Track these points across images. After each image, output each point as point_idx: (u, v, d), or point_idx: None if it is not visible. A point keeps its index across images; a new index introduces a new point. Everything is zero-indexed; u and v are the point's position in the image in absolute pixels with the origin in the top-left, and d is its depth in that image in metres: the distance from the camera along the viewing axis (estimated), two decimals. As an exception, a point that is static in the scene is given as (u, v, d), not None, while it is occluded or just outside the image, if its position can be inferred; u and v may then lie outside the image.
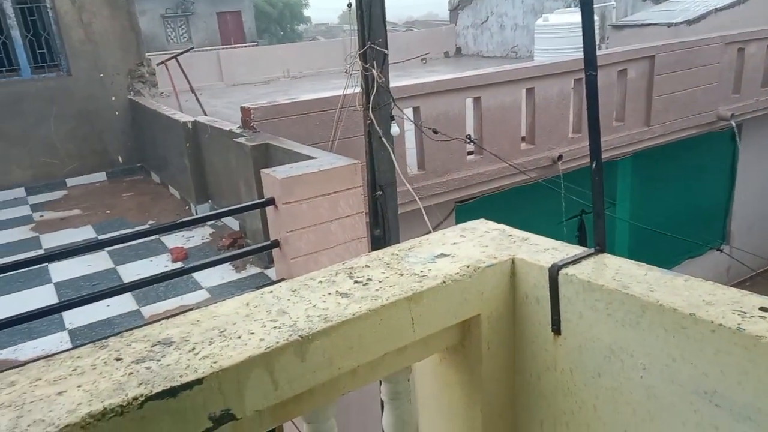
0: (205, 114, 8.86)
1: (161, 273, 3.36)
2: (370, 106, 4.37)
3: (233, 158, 5.03)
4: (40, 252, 5.42)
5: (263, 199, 3.67)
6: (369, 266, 1.43)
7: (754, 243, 9.75)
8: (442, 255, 1.46)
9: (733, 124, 7.96)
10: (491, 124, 6.31)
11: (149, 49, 15.08)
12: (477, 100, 6.22)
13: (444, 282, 1.31)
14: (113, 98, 8.02)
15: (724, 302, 1.08)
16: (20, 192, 7.55)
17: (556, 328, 1.34)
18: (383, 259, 1.48)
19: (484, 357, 1.41)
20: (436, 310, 1.30)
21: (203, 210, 6.14)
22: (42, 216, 6.65)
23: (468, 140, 5.54)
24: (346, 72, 5.12)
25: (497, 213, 7.40)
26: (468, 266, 1.37)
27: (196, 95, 9.59)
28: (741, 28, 8.08)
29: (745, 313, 1.03)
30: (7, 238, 5.96)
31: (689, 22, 8.45)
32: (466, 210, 6.89)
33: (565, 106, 6.83)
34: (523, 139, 6.79)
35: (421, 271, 1.36)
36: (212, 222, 5.80)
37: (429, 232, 4.55)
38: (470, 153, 6.47)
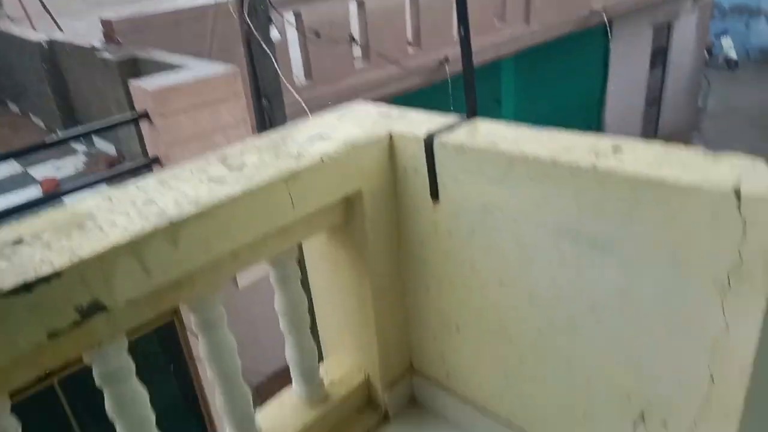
0: (60, 29, 7.93)
1: (30, 200, 3.08)
2: (245, 10, 4.08)
3: (99, 77, 4.59)
4: None
5: (135, 114, 3.40)
6: (244, 153, 1.37)
7: (624, 132, 10.56)
8: (320, 137, 1.42)
9: (605, 18, 8.33)
10: (377, 28, 6.16)
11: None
12: (361, 4, 6.01)
13: (322, 160, 1.28)
14: (-54, 20, 6.94)
15: (583, 147, 1.14)
16: None
17: (435, 195, 1.37)
18: (259, 146, 1.43)
19: (369, 231, 1.42)
20: (316, 188, 1.28)
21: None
22: None
23: (351, 39, 5.39)
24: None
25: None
26: (345, 144, 1.35)
27: (51, 16, 8.52)
28: None
29: (599, 153, 1.10)
30: None
31: None
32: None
33: (449, 7, 6.78)
34: (410, 43, 6.73)
35: (298, 153, 1.32)
36: (85, 150, 5.35)
37: None
38: (360, 55, 6.33)
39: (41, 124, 6.27)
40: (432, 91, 6.78)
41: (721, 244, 0.90)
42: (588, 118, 10.09)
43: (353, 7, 6.10)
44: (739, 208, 0.88)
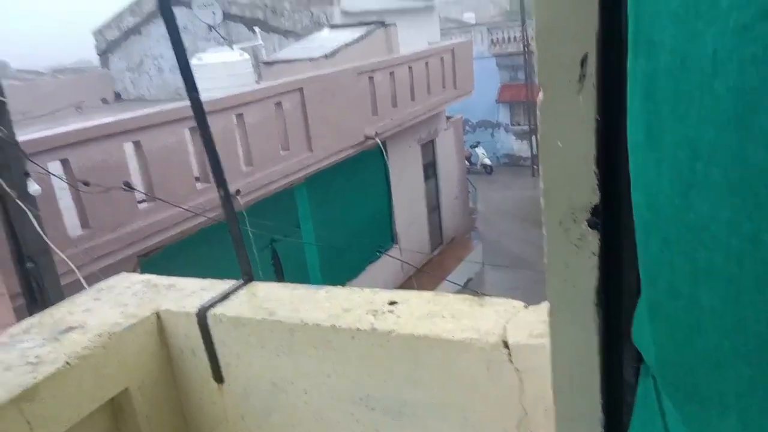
0: None
1: None
2: (-5, 165, 3.62)
3: None
4: None
5: None
6: (-37, 369, 1.09)
7: (415, 240, 11.44)
8: (69, 329, 1.20)
9: (378, 141, 9.19)
10: (159, 168, 5.94)
11: None
12: (137, 145, 5.78)
13: (67, 363, 1.06)
14: None
15: (360, 305, 1.11)
16: None
17: (218, 376, 1.22)
18: (-13, 353, 1.15)
19: (144, 433, 1.20)
20: (63, 402, 1.05)
21: None
22: None
23: (126, 188, 5.08)
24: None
25: (190, 260, 6.95)
26: (100, 335, 1.15)
27: None
28: (366, 59, 9.41)
29: (377, 311, 1.07)
30: None
31: (327, 56, 9.46)
32: (151, 264, 6.34)
33: (233, 140, 6.87)
34: (198, 179, 6.59)
35: (37, 357, 1.09)
36: None
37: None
38: (141, 201, 5.98)
39: None
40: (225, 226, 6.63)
41: (504, 398, 0.90)
42: (381, 230, 10.76)
43: (129, 148, 5.83)
44: (510, 358, 0.89)
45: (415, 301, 1.09)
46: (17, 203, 3.72)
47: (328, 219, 9.11)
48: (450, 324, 0.97)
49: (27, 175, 3.77)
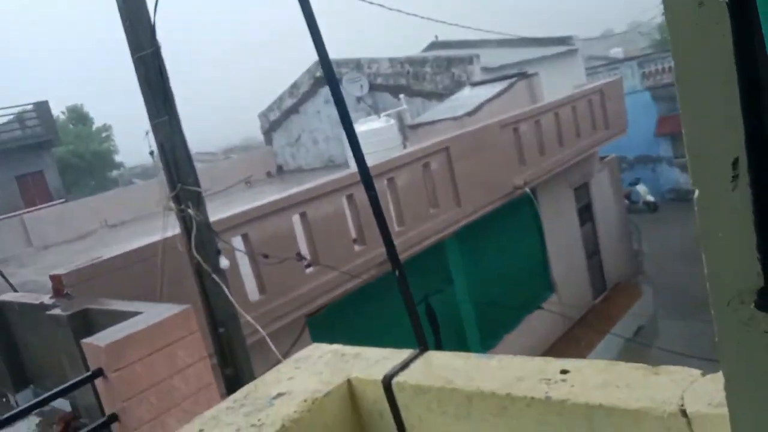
0: (13, 288, 7.91)
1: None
2: (193, 245, 4.25)
3: (50, 333, 4.50)
4: None
5: (88, 373, 3.29)
6: (203, 430, 1.34)
7: (574, 288, 10.94)
8: (279, 395, 1.42)
9: (527, 190, 9.12)
10: (321, 234, 6.47)
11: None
12: (303, 216, 6.38)
13: (283, 426, 1.26)
14: None
15: (533, 374, 1.18)
16: None
17: (404, 438, 1.35)
18: (218, 416, 1.40)
19: (343, 490, 1.36)
20: (281, 458, 1.24)
21: (24, 398, 5.32)
22: None
23: (299, 258, 5.60)
24: (166, 210, 4.97)
25: (350, 317, 7.38)
26: (305, 400, 1.35)
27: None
28: (510, 111, 9.51)
29: (549, 380, 1.14)
30: None
31: (470, 114, 9.72)
32: (317, 322, 6.83)
33: (385, 203, 7.28)
34: (355, 240, 7.04)
35: (259, 420, 1.30)
36: (38, 409, 5.03)
37: (280, 361, 4.38)
38: (308, 266, 6.52)
39: (-13, 389, 5.93)
40: (386, 281, 6.98)
41: (684, 468, 0.92)
42: (538, 280, 10.46)
43: (296, 218, 6.45)
44: (690, 427, 0.91)
45: (587, 369, 1.13)
46: (212, 277, 4.30)
47: (480, 271, 9.11)
48: (625, 393, 1.01)
49: (219, 252, 4.36)
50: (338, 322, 7.02)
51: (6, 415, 3.31)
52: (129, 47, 4.25)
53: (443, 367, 1.34)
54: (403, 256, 7.38)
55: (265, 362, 5.20)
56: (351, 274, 6.18)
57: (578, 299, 10.84)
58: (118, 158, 39.38)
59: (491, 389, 1.17)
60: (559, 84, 12.95)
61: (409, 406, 1.33)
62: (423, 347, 1.46)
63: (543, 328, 9.75)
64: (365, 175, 1.68)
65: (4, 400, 5.57)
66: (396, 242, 5.98)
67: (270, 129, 20.12)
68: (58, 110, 29.87)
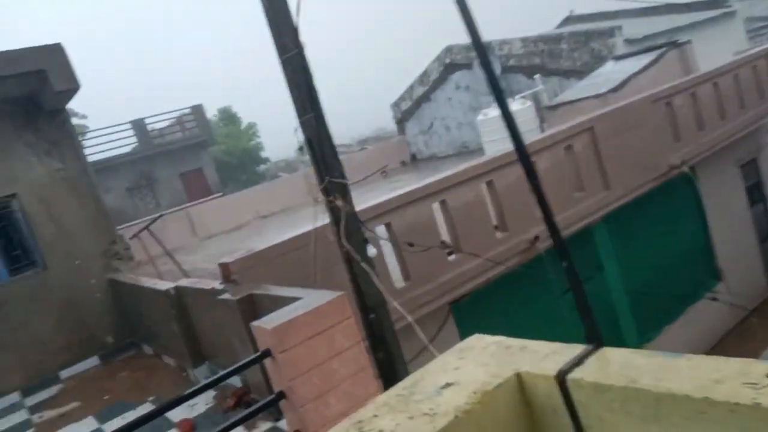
0: (186, 275, 8.89)
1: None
2: (343, 234, 4.45)
3: (221, 315, 4.99)
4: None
5: (258, 353, 3.59)
6: (377, 415, 1.40)
7: (745, 275, 9.81)
8: (447, 384, 1.44)
9: (685, 169, 8.32)
10: (462, 221, 6.46)
11: (120, 222, 15.36)
12: (443, 203, 6.40)
13: (456, 416, 1.28)
14: (93, 281, 8.00)
15: (732, 377, 1.08)
16: (15, 397, 7.28)
17: (581, 436, 1.31)
18: (390, 403, 1.46)
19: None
20: (455, 448, 1.26)
21: (201, 373, 5.97)
22: (41, 417, 6.39)
23: (443, 246, 5.63)
24: (315, 201, 5.26)
25: (494, 304, 7.29)
26: (475, 392, 1.35)
27: (172, 258, 9.67)
28: (660, 85, 8.72)
29: (756, 384, 1.03)
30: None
31: (614, 90, 9.08)
32: (461, 309, 6.85)
33: (525, 188, 7.06)
34: (497, 227, 6.93)
35: (431, 409, 1.33)
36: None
37: (425, 348, 4.43)
38: (450, 253, 6.55)
39: (172, 363, 6.75)
40: (526, 269, 6.80)
41: None
42: (701, 267, 9.54)
43: (436, 206, 6.49)
44: None
45: (801, 374, 1.01)
46: (361, 265, 4.48)
47: (634, 258, 8.52)
48: None
49: (366, 241, 4.52)
50: (482, 309, 6.98)
51: (191, 389, 3.74)
52: (275, 49, 4.53)
53: (624, 365, 1.27)
54: (545, 244, 7.13)
55: (412, 348, 5.34)
56: (494, 261, 6.10)
57: (750, 287, 9.73)
58: (263, 154, 42.38)
59: (684, 391, 1.09)
60: (715, 51, 11.66)
61: (586, 404, 1.28)
62: (598, 342, 1.40)
63: (709, 320, 8.90)
64: (524, 156, 1.63)
65: (184, 374, 6.29)
66: (541, 228, 5.80)
67: (402, 118, 20.42)
68: (210, 112, 32.71)
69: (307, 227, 5.57)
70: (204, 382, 4.19)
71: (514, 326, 7.29)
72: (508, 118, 1.68)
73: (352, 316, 3.76)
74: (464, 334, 7.55)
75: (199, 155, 28.12)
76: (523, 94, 12.00)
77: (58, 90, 7.26)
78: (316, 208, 4.74)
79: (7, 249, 7.69)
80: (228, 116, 40.65)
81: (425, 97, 18.78)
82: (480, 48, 1.61)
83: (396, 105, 20.36)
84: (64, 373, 7.65)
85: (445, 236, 6.45)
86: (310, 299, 3.84)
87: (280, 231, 13.31)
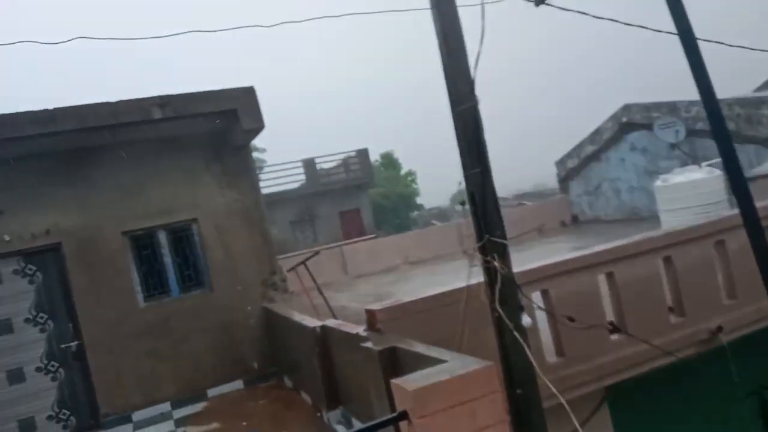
0: (332, 312, 9.12)
1: None
2: (497, 298, 4.17)
3: (362, 362, 4.92)
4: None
5: (395, 414, 3.41)
6: None
7: None
8: None
9: None
10: (631, 299, 5.79)
11: (281, 252, 16.43)
12: (610, 276, 5.81)
13: None
14: (249, 308, 8.51)
15: None
16: (166, 407, 7.89)
17: None
18: None
19: None
20: None
21: (334, 417, 5.94)
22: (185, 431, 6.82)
23: (611, 328, 5.06)
24: (464, 253, 5.04)
25: (658, 396, 6.34)
26: None
27: (322, 294, 10.00)
28: None
29: None
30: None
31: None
32: (618, 396, 6.08)
33: (711, 270, 6.18)
34: (671, 310, 6.13)
35: None
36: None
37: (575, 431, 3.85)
38: (613, 331, 5.89)
39: (308, 401, 6.84)
40: (702, 363, 5.88)
41: None
42: None
43: (601, 278, 5.91)
44: None
45: None
46: (512, 334, 4.14)
47: None
48: None
49: (521, 309, 4.19)
50: (643, 400, 6.14)
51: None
52: (449, 100, 4.47)
53: None
54: (731, 336, 6.13)
55: (558, 431, 4.80)
56: (665, 350, 5.35)
57: None
58: (418, 200, 43.25)
59: None
60: None
61: None
62: None
63: None
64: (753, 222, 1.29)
65: (318, 414, 6.32)
66: (726, 318, 4.96)
67: (567, 176, 19.56)
68: (372, 157, 34.19)
69: (456, 283, 5.36)
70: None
71: (678, 425, 6.31)
72: (737, 181, 1.36)
73: (499, 390, 3.44)
74: (618, 424, 6.66)
75: (359, 196, 29.46)
76: (711, 162, 10.80)
77: (246, 128, 7.98)
78: (469, 267, 4.52)
79: (182, 267, 8.49)
80: (389, 161, 42.36)
81: (595, 157, 17.85)
82: (712, 103, 1.33)
83: (561, 162, 19.60)
84: (211, 392, 8.14)
85: (609, 313, 5.82)
86: (456, 364, 3.60)
87: (427, 281, 13.24)
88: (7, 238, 7.55)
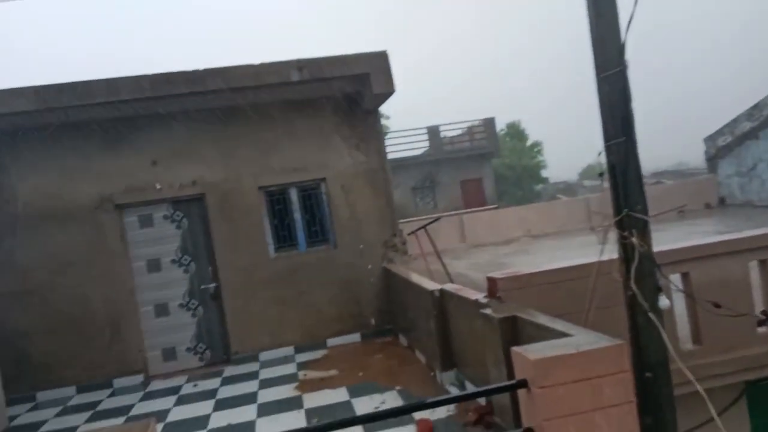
0: (450, 278, 9.14)
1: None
2: (632, 277, 3.91)
3: (479, 328, 4.89)
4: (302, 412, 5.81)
5: (515, 381, 3.36)
6: None
7: None
8: None
9: None
10: (786, 289, 5.19)
11: (401, 216, 16.69)
12: (763, 263, 5.23)
13: None
14: (369, 266, 8.77)
15: None
16: (290, 350, 8.46)
17: None
18: None
19: None
20: None
21: (447, 378, 6.00)
22: (305, 375, 7.26)
23: (763, 317, 4.56)
24: (591, 229, 4.77)
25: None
26: None
27: (440, 259, 10.04)
28: None
29: None
30: (277, 395, 6.62)
31: None
32: (760, 393, 5.54)
33: None
34: (836, 307, 5.40)
35: None
36: (457, 392, 5.61)
37: (711, 420, 3.58)
38: (761, 323, 5.34)
39: (422, 360, 6.97)
40: None
41: None
42: None
43: (754, 264, 5.34)
44: None
45: None
46: (647, 315, 3.88)
47: None
48: None
49: (659, 290, 3.90)
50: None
51: (441, 398, 3.70)
52: (594, 66, 4.18)
53: None
54: None
55: (687, 420, 4.48)
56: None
57: None
58: (543, 173, 41.61)
59: None
60: None
61: None
62: None
63: None
64: None
65: (432, 374, 6.41)
66: None
67: (716, 155, 17.76)
68: (498, 126, 33.29)
69: (583, 258, 5.10)
70: (456, 393, 4.13)
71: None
72: None
73: (629, 370, 3.25)
74: (758, 423, 6.10)
75: (482, 166, 28.95)
76: None
77: (377, 92, 8.08)
78: (600, 243, 4.27)
79: (310, 224, 8.91)
80: (516, 132, 41.06)
81: (752, 134, 15.99)
82: None
83: (711, 139, 17.80)
84: (331, 342, 8.57)
85: (759, 302, 5.27)
86: (582, 339, 3.45)
87: (551, 255, 12.78)
88: (158, 186, 8.36)
